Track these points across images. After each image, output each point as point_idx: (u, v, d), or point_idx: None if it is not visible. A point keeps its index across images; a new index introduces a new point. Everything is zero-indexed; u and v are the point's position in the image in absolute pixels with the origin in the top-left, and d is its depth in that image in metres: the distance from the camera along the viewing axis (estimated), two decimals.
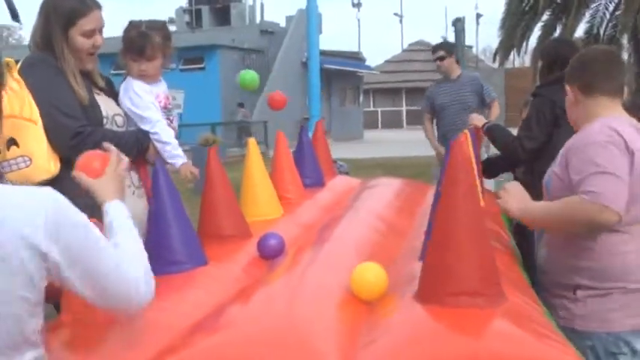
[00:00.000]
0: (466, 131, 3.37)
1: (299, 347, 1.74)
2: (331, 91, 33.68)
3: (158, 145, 3.29)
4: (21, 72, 2.98)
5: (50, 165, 2.93)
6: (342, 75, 33.73)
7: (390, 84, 45.38)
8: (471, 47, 45.87)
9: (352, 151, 22.21)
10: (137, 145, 3.22)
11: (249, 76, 3.67)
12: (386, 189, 4.00)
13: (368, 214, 3.20)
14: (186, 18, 32.88)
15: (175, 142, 3.35)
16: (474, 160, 3.54)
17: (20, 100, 2.90)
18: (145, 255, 1.82)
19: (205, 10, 32.18)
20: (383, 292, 2.09)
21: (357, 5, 51.73)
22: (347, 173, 10.14)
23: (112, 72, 23.46)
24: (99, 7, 3.16)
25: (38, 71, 3.02)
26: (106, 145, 2.15)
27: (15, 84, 2.92)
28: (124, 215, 1.92)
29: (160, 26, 3.43)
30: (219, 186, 2.92)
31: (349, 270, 2.14)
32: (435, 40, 40.74)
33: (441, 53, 7.14)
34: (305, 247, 2.72)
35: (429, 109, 7.30)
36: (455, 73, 7.18)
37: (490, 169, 4.46)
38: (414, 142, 19.35)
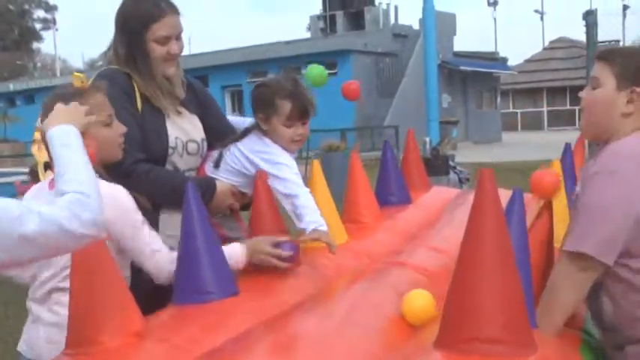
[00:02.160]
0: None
1: None
2: (467, 94, 33.04)
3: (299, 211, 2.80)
4: None
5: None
6: (478, 77, 33.00)
7: (530, 84, 43.99)
8: (618, 42, 43.69)
9: (489, 154, 21.66)
10: (176, 196, 2.68)
11: (317, 71, 3.26)
12: None
13: (440, 242, 2.89)
14: (321, 24, 33.19)
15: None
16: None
17: None
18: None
19: (340, 15, 32.37)
20: (428, 318, 2.08)
21: (493, 4, 50.53)
22: (468, 180, 9.78)
23: (249, 80, 24.06)
24: (175, 12, 2.90)
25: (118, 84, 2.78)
26: None
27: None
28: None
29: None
30: (265, 209, 2.76)
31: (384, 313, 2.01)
32: (578, 36, 38.99)
33: None
34: (354, 281, 2.52)
35: None
36: None
37: None
38: (555, 144, 18.50)
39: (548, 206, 2.62)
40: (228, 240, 2.71)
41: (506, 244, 1.69)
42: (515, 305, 1.68)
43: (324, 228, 2.72)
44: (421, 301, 2.11)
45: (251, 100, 3.01)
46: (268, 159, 2.91)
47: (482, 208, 1.70)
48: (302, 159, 19.12)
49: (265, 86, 3.02)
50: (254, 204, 2.80)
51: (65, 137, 1.89)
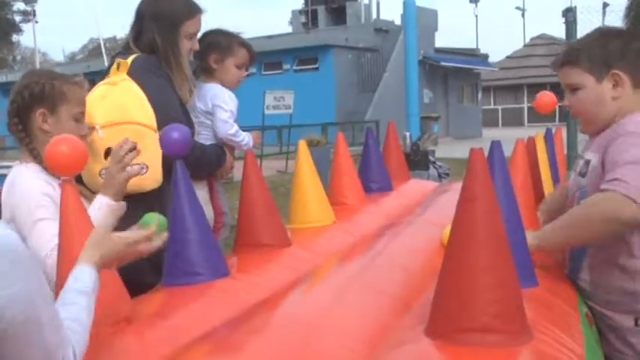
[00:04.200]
0: (539, 133, 3.09)
1: None
2: (449, 90, 33.07)
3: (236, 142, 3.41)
4: (133, 75, 2.93)
5: (160, 175, 2.85)
6: (459, 72, 33.04)
7: (511, 80, 44.12)
8: None
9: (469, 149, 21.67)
10: (218, 162, 3.29)
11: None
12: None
13: (424, 226, 2.88)
14: (303, 19, 33.07)
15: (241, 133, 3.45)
16: (546, 164, 3.15)
17: (139, 105, 2.85)
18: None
19: (321, 10, 32.25)
20: None
21: (475, 1, 50.61)
22: (447, 175, 9.77)
23: (264, 72, 23.80)
24: (201, 11, 3.17)
25: (153, 78, 2.97)
26: None
27: (128, 85, 2.90)
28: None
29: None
30: (255, 192, 2.71)
31: (383, 292, 1.97)
32: (559, 33, 39.22)
33: None
34: (346, 259, 2.49)
35: None
36: None
37: None
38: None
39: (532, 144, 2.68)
40: (223, 214, 3.27)
41: (499, 229, 1.64)
42: (510, 293, 1.64)
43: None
44: None
45: (203, 43, 3.30)
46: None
47: (473, 191, 1.63)
48: (282, 153, 19.12)
49: (222, 33, 3.48)
50: (244, 185, 2.77)
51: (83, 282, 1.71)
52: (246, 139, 3.43)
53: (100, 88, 2.96)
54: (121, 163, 2.48)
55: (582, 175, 2.46)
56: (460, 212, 1.66)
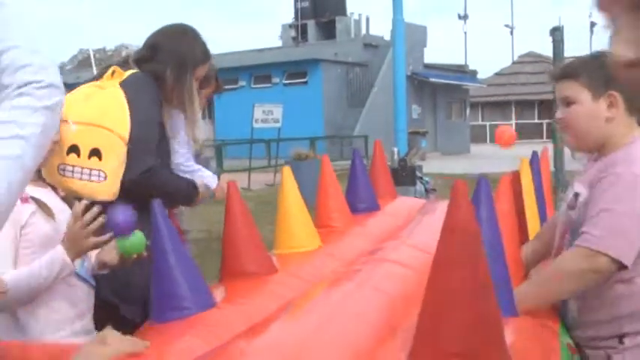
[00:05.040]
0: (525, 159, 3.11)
1: None
2: (437, 105, 33.21)
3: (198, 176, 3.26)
4: (126, 87, 2.94)
5: (116, 189, 2.84)
6: (448, 89, 33.20)
7: (499, 97, 44.34)
8: None
9: (458, 165, 21.74)
10: (188, 198, 3.21)
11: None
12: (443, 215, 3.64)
13: (409, 251, 2.88)
14: (292, 33, 33.16)
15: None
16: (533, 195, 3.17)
17: (119, 114, 2.86)
18: None
19: (311, 24, 32.36)
20: None
21: (464, 18, 50.87)
22: (434, 190, 9.84)
23: (254, 86, 24.06)
24: (211, 57, 3.31)
25: (147, 95, 3.01)
26: None
27: (116, 93, 2.92)
28: None
29: None
30: (239, 220, 2.71)
31: (364, 319, 1.96)
32: (547, 51, 39.45)
33: None
34: (331, 286, 2.48)
35: None
36: None
37: None
38: (522, 156, 18.61)
39: (517, 178, 2.68)
40: (183, 232, 2.93)
41: (481, 259, 1.64)
42: (490, 321, 1.65)
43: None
44: None
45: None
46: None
47: (455, 220, 1.63)
48: (270, 167, 19.15)
49: None
50: (228, 215, 2.77)
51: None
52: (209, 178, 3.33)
53: (87, 87, 3.00)
54: (86, 230, 2.39)
55: (571, 207, 2.49)
56: (442, 241, 1.67)
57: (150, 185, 2.88)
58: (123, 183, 2.85)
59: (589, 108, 2.42)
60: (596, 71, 2.40)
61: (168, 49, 3.11)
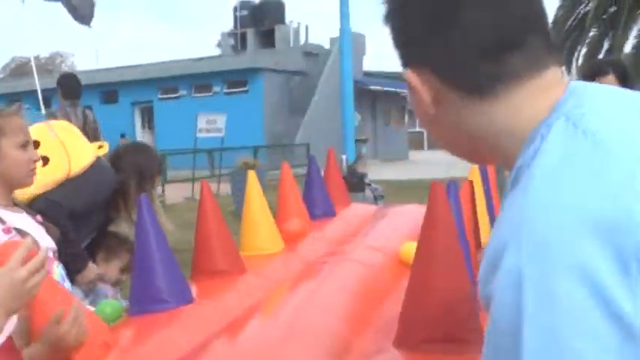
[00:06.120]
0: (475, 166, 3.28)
1: None
2: (377, 113, 33.59)
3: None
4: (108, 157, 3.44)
5: (35, 191, 2.91)
6: (386, 96, 33.61)
7: None
8: None
9: (397, 172, 22.02)
10: (75, 268, 3.09)
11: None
12: (398, 218, 3.83)
13: (367, 250, 3.05)
14: (232, 41, 33.13)
15: None
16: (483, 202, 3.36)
17: (83, 163, 3.16)
18: None
19: (251, 33, 32.36)
20: None
21: None
22: (382, 197, 10.05)
23: (160, 96, 23.82)
24: None
25: (112, 172, 3.38)
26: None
27: (96, 154, 3.31)
28: None
29: None
30: (211, 220, 2.83)
31: (335, 312, 2.11)
32: None
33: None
34: (297, 285, 2.64)
35: None
36: None
37: None
38: (459, 162, 18.92)
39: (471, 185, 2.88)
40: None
41: (457, 250, 1.85)
42: (468, 306, 1.83)
43: None
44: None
45: None
46: None
47: (435, 217, 1.84)
48: (214, 177, 19.07)
49: None
50: (200, 213, 2.86)
51: None
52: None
53: (79, 133, 3.36)
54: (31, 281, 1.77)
55: None
56: (424, 236, 1.86)
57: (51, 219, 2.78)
58: (38, 197, 2.96)
59: None
60: None
61: (133, 163, 3.49)
